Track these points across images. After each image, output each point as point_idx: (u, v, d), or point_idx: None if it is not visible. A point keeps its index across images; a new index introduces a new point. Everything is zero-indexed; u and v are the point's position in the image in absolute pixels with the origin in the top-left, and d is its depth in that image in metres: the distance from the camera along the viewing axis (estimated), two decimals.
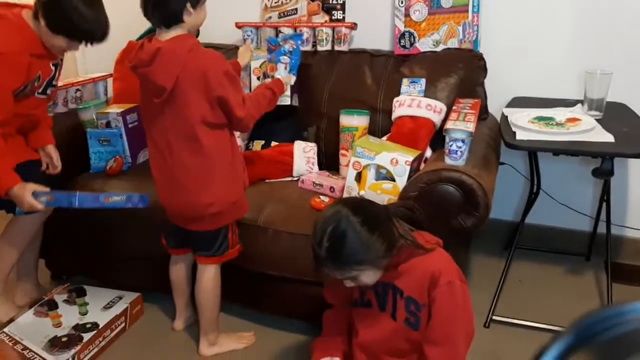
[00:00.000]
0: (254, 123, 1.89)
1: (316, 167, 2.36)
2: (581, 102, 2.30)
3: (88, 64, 3.32)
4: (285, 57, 2.09)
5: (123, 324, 2.17)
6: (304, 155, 2.36)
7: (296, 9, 2.75)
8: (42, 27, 1.88)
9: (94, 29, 1.93)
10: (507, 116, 2.21)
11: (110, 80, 2.76)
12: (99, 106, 2.49)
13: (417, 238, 1.51)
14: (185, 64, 1.70)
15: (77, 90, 2.61)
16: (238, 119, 1.79)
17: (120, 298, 2.22)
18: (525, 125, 2.07)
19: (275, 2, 2.78)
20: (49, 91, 2.09)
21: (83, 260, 2.42)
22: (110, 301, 2.19)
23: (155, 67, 1.71)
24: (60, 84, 2.53)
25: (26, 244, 2.19)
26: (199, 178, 1.80)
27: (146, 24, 2.78)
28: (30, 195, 1.85)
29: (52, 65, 2.04)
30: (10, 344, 1.98)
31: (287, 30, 2.65)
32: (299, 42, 2.15)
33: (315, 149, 2.40)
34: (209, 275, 1.97)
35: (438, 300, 1.48)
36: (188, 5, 1.72)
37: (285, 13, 2.77)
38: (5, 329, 2.03)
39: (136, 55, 1.76)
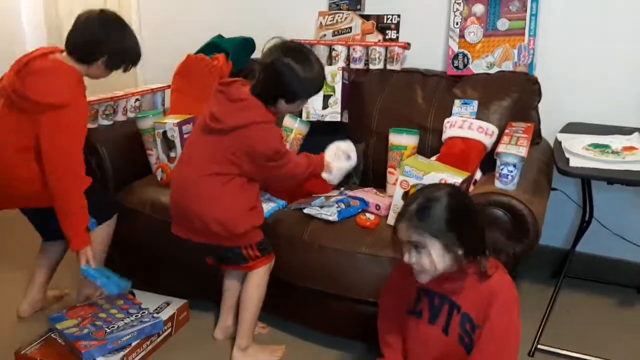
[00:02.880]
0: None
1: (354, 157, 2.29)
2: (639, 130, 2.24)
3: (148, 75, 3.44)
4: (342, 204, 2.15)
5: (169, 330, 2.23)
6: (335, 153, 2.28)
7: (350, 28, 2.79)
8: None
9: None
10: (560, 142, 2.17)
11: (168, 92, 2.86)
12: (157, 116, 2.57)
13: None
14: (250, 128, 1.86)
15: (137, 100, 2.71)
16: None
17: (168, 304, 2.28)
18: (580, 152, 2.04)
19: (330, 21, 2.82)
20: None
21: (133, 265, 2.49)
22: (158, 306, 2.25)
23: (237, 107, 1.89)
24: (120, 93, 2.64)
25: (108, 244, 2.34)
26: (206, 193, 1.92)
27: (204, 39, 2.89)
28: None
29: None
30: (62, 343, 2.06)
31: (341, 48, 2.69)
32: (361, 208, 2.21)
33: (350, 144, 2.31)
34: (253, 281, 2.05)
35: (493, 318, 1.45)
36: (282, 100, 1.93)
37: (340, 31, 2.81)
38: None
39: (234, 82, 1.94)
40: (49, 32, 3.84)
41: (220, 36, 2.90)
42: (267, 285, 2.07)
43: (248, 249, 1.99)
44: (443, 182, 1.93)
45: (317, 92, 2.01)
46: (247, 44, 2.87)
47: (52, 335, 2.10)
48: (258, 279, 2.04)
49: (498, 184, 1.84)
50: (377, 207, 2.18)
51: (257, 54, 2.90)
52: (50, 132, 2.02)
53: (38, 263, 2.39)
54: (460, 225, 1.45)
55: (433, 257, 1.45)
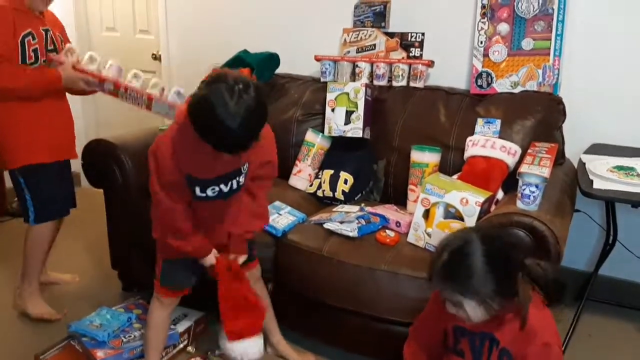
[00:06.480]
0: None
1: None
2: None
3: (173, 88, 3.48)
4: (362, 220, 2.16)
5: (186, 342, 2.23)
6: None
7: (374, 45, 2.80)
8: None
9: None
10: (584, 163, 2.15)
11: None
12: None
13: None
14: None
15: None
16: None
17: (185, 316, 2.28)
18: (604, 174, 2.01)
19: (355, 38, 2.84)
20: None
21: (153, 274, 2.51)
22: (176, 318, 2.26)
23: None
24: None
25: (45, 249, 2.45)
26: None
27: (230, 53, 2.92)
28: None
29: (42, 30, 2.26)
30: (80, 350, 2.08)
31: (364, 65, 2.70)
32: (381, 225, 2.18)
33: None
34: None
35: (531, 359, 1.42)
36: None
37: (364, 48, 2.82)
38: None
39: None
40: None
41: (245, 51, 2.93)
42: None
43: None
44: (464, 201, 1.92)
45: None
46: (272, 59, 2.90)
47: (70, 342, 2.12)
48: None
49: (520, 204, 1.83)
50: (398, 224, 2.17)
51: (281, 69, 2.94)
52: None
53: None
54: (495, 279, 1.39)
55: (473, 310, 1.43)
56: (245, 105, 1.48)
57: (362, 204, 2.36)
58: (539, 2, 2.42)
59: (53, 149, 2.34)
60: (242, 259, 1.91)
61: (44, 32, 2.26)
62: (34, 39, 2.20)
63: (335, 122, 2.57)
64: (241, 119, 1.47)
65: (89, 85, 2.30)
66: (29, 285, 2.45)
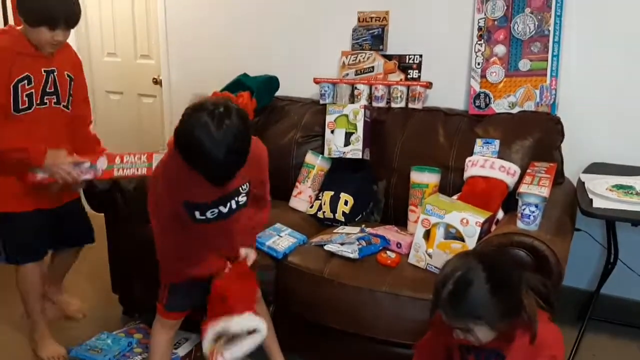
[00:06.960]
0: None
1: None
2: None
3: (174, 111, 3.52)
4: (363, 241, 2.16)
5: None
6: None
7: (373, 67, 2.83)
8: (23, 25, 2.06)
9: (51, 8, 2.02)
10: (584, 182, 2.16)
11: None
12: None
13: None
14: None
15: None
16: None
17: (187, 340, 2.27)
18: (603, 193, 2.02)
19: (353, 60, 2.87)
20: (63, 102, 2.19)
21: (155, 299, 2.50)
22: (177, 342, 2.25)
23: None
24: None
25: (35, 290, 2.33)
26: None
27: (232, 76, 2.95)
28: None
29: (44, 71, 2.12)
30: None
31: (363, 87, 2.73)
32: (382, 246, 2.19)
33: None
34: None
35: None
36: None
37: (362, 71, 2.85)
38: None
39: None
40: None
41: (245, 74, 2.96)
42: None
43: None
44: (465, 221, 1.92)
45: None
46: (272, 82, 2.93)
47: None
48: None
49: (520, 224, 1.83)
50: (399, 245, 2.17)
51: (281, 92, 2.96)
52: None
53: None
54: (502, 301, 1.39)
55: (483, 334, 1.43)
56: (230, 133, 1.49)
57: (363, 225, 2.36)
58: (534, 24, 2.45)
59: (35, 197, 2.18)
60: (252, 255, 1.90)
61: (45, 74, 2.12)
62: (29, 83, 2.07)
63: (335, 143, 2.59)
64: (226, 148, 1.48)
65: (78, 172, 2.10)
66: (35, 328, 2.36)
